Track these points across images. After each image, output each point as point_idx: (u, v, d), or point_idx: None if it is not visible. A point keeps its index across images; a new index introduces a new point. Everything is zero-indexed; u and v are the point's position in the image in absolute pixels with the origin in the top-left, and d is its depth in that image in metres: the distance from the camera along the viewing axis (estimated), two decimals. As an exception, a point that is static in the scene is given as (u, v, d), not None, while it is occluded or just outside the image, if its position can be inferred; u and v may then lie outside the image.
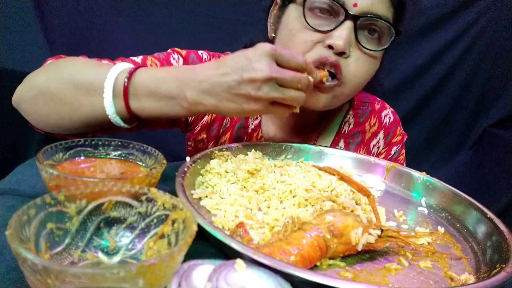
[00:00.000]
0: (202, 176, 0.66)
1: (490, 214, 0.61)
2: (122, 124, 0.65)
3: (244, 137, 0.95)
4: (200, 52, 0.90)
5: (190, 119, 0.93)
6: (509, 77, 2.12)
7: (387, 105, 1.04)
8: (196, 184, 0.63)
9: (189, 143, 0.99)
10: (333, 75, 0.75)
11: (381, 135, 1.00)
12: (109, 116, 0.63)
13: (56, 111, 0.65)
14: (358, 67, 0.77)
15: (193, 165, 0.65)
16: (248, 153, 0.76)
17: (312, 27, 0.74)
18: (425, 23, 2.00)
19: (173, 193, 0.48)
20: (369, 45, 0.76)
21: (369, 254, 0.53)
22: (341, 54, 0.74)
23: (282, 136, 0.95)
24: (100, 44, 1.70)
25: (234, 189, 0.61)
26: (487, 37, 2.05)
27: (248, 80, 0.59)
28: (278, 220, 0.55)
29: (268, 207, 0.59)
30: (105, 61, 0.75)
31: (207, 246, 0.48)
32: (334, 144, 0.97)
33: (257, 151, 0.77)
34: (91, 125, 0.66)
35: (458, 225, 0.66)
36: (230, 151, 0.74)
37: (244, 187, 0.64)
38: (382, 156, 1.00)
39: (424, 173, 0.77)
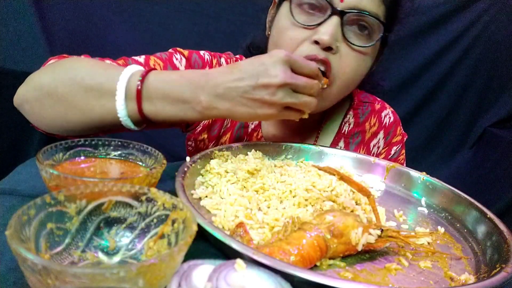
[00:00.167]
0: (202, 176, 0.66)
1: (490, 214, 0.61)
2: (132, 126, 0.65)
3: (244, 137, 0.95)
4: (202, 52, 0.90)
5: (191, 120, 0.93)
6: (509, 77, 2.12)
7: (387, 105, 1.04)
8: (196, 184, 0.63)
9: (190, 143, 0.99)
10: (323, 73, 0.75)
11: (381, 135, 1.00)
12: (121, 119, 0.63)
13: (62, 113, 0.64)
14: (347, 63, 0.77)
15: (193, 165, 0.65)
16: (248, 153, 0.76)
17: (299, 23, 0.75)
18: (425, 23, 2.00)
19: (173, 193, 0.48)
20: (358, 41, 0.76)
21: (369, 254, 0.53)
22: (328, 49, 0.73)
23: (282, 136, 0.95)
24: (100, 44, 1.70)
25: (234, 189, 0.61)
26: (487, 37, 2.05)
27: (263, 85, 0.60)
28: (278, 220, 0.55)
29: (268, 207, 0.59)
30: (108, 61, 0.74)
31: (207, 246, 0.48)
32: (334, 144, 0.97)
33: (257, 151, 0.77)
34: (98, 127, 0.66)
35: (458, 225, 0.66)
36: (230, 151, 0.74)
37: (244, 187, 0.64)
38: (382, 156, 1.00)
39: (424, 173, 0.77)
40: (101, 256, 0.41)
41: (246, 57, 0.93)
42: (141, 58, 0.80)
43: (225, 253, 0.46)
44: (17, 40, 1.52)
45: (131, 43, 1.73)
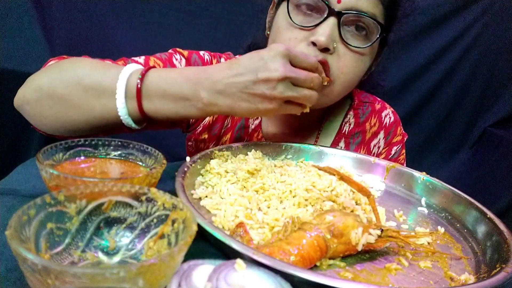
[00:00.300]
0: (202, 176, 0.66)
1: (490, 214, 0.61)
2: (133, 125, 0.65)
3: (245, 137, 0.95)
4: (201, 52, 0.90)
5: (191, 119, 0.93)
6: (509, 77, 2.12)
7: (387, 105, 1.04)
8: (196, 184, 0.63)
9: (190, 143, 0.99)
10: None
11: (381, 135, 1.00)
12: (121, 118, 0.63)
13: (63, 114, 0.64)
14: (345, 63, 0.76)
15: (193, 165, 0.65)
16: (248, 153, 0.76)
17: (296, 24, 0.75)
18: (425, 23, 2.00)
19: (173, 193, 0.48)
20: (355, 42, 0.76)
21: (369, 254, 0.53)
22: (325, 50, 0.73)
23: (282, 136, 0.95)
24: (100, 44, 1.70)
25: (234, 189, 0.61)
26: (487, 37, 2.05)
27: (263, 80, 0.60)
28: (278, 220, 0.55)
29: (268, 207, 0.59)
30: (107, 62, 0.74)
31: (207, 246, 0.48)
32: (334, 144, 0.97)
33: (257, 151, 0.77)
34: (99, 127, 0.66)
35: (458, 225, 0.66)
36: (230, 151, 0.74)
37: (244, 187, 0.64)
38: (383, 156, 1.00)
39: (424, 173, 0.77)
40: (101, 256, 0.41)
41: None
42: (141, 59, 0.80)
43: (225, 253, 0.46)
44: (17, 40, 1.52)
45: (131, 43, 1.73)
